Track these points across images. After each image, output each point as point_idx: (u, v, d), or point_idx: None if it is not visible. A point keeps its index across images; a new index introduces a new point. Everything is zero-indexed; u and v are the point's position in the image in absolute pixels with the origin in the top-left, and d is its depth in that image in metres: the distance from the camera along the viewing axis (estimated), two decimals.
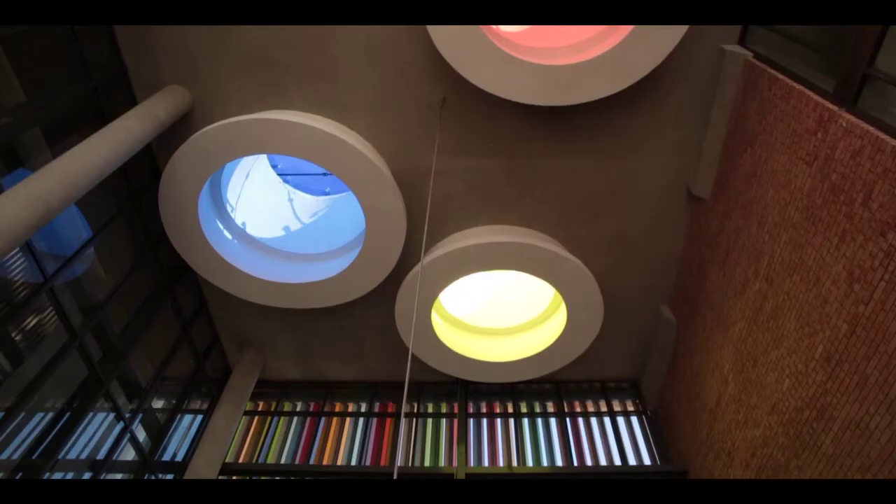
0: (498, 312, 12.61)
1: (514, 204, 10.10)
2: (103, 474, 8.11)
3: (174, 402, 10.27)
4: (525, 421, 12.29)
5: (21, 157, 7.07)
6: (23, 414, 6.80)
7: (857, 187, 5.78)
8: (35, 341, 7.14)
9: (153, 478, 9.36)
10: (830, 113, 6.22)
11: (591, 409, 12.48)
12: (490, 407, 12.67)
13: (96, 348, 8.11)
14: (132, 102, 8.54)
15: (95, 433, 8.11)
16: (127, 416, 8.67)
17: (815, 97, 6.53)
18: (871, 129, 5.59)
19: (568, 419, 12.13)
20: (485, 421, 12.33)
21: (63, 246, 7.58)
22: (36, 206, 5.74)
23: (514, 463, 11.35)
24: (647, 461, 11.28)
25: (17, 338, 6.87)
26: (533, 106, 8.53)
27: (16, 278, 6.79)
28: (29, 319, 7.01)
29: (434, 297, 10.63)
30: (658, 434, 11.56)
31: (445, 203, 9.98)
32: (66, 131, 7.77)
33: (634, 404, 12.49)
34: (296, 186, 12.96)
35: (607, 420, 12.12)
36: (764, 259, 7.61)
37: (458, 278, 10.26)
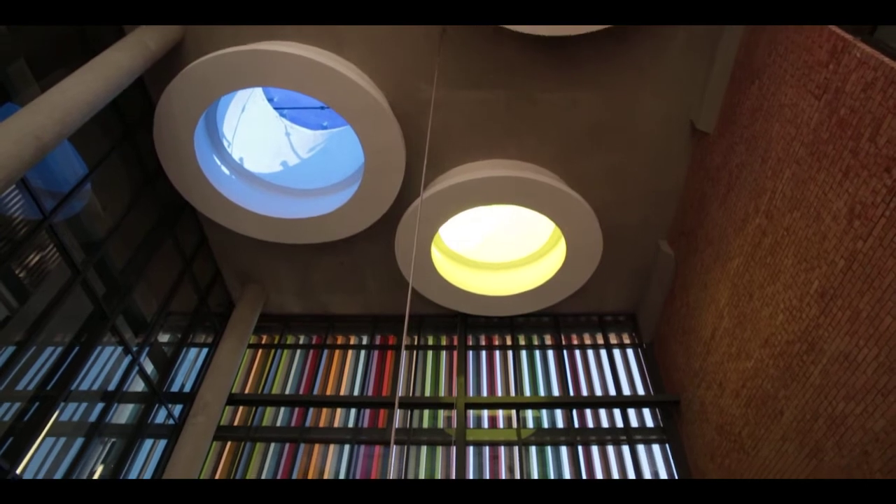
0: (498, 247, 12.68)
1: (514, 137, 9.94)
2: (115, 405, 8.40)
3: (179, 336, 10.50)
4: (523, 353, 12.60)
5: (8, 90, 6.89)
6: (34, 347, 6.96)
7: (865, 121, 5.66)
8: (39, 278, 7.21)
9: (163, 408, 9.70)
10: (845, 43, 6.00)
11: (588, 341, 12.77)
12: (489, 340, 12.97)
13: (100, 284, 8.20)
14: (119, 34, 8.23)
15: (105, 366, 8.33)
16: (134, 349, 8.88)
17: (830, 27, 6.28)
18: (886, 59, 5.41)
19: (565, 351, 12.44)
20: (484, 353, 12.65)
21: (60, 183, 7.53)
22: (27, 142, 5.65)
23: (513, 393, 11.74)
24: (640, 392, 11.66)
25: (21, 274, 6.93)
26: (533, 36, 8.23)
27: (15, 216, 6.77)
28: (31, 256, 7.06)
29: (434, 231, 10.65)
30: (653, 366, 11.89)
31: (445, 136, 9.82)
32: (52, 64, 7.54)
33: (631, 337, 12.76)
34: (293, 120, 12.70)
35: (604, 352, 12.42)
36: (765, 195, 7.57)
37: (457, 213, 10.25)
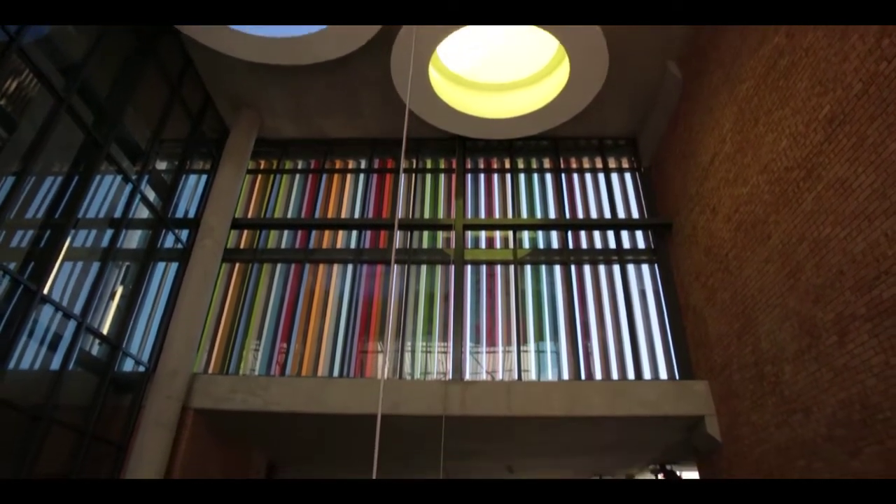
0: (498, 67, 12.06)
1: None
2: (123, 231, 8.65)
3: (177, 163, 10.44)
4: (522, 176, 12.67)
5: None
6: (33, 177, 6.96)
7: None
8: (21, 105, 6.95)
9: (171, 234, 10.00)
10: None
11: (586, 165, 12.76)
12: (488, 163, 12.94)
13: (87, 112, 7.93)
14: None
15: (108, 195, 8.41)
16: (133, 177, 8.89)
17: None
18: None
19: (563, 175, 12.50)
20: (482, 176, 12.71)
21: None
22: None
23: (510, 215, 12.03)
24: (635, 215, 11.96)
25: (2, 103, 6.66)
26: None
27: None
28: (8, 83, 6.72)
29: (431, 51, 10.04)
30: (649, 190, 12.04)
31: None
32: None
33: (629, 161, 12.73)
34: None
35: (602, 176, 12.49)
36: None
37: (454, 30, 9.57)
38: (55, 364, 7.37)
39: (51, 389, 7.17)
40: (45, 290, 7.02)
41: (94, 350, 8.26)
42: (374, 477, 5.45)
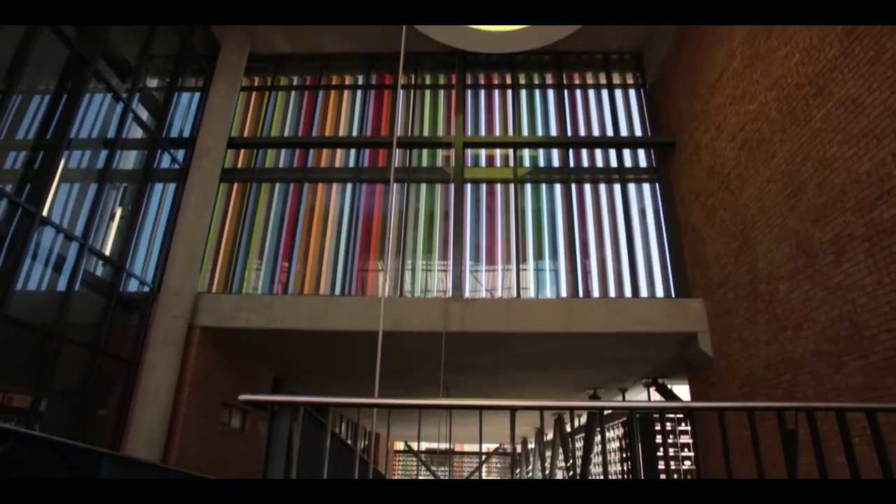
0: None
1: None
2: (118, 151, 8.50)
3: (168, 80, 10.10)
4: (523, 92, 12.31)
5: None
6: (19, 96, 6.76)
7: None
8: None
9: (166, 154, 9.84)
10: None
11: (590, 81, 12.37)
12: (488, 78, 12.53)
13: (70, 28, 7.57)
14: None
15: (99, 114, 8.20)
16: (124, 95, 8.63)
17: None
18: None
19: (566, 91, 12.14)
20: (483, 92, 12.35)
21: None
22: None
23: (511, 133, 11.80)
24: (638, 133, 11.72)
25: None
26: None
27: None
28: None
29: None
30: (653, 107, 11.73)
31: None
32: None
33: (634, 77, 12.32)
34: None
35: (605, 92, 12.13)
36: None
37: None
38: (61, 285, 7.49)
39: (59, 309, 7.33)
40: (45, 213, 7.01)
41: (99, 271, 8.37)
42: (376, 392, 5.67)
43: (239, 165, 11.53)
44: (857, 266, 5.88)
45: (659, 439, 11.89)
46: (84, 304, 8.05)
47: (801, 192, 6.79)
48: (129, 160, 9.05)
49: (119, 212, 8.80)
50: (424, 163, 11.71)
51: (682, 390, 12.48)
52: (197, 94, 11.10)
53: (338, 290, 10.49)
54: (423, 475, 28.66)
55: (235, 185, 11.33)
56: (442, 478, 26.91)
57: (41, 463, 4.51)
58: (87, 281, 8.08)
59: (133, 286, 9.15)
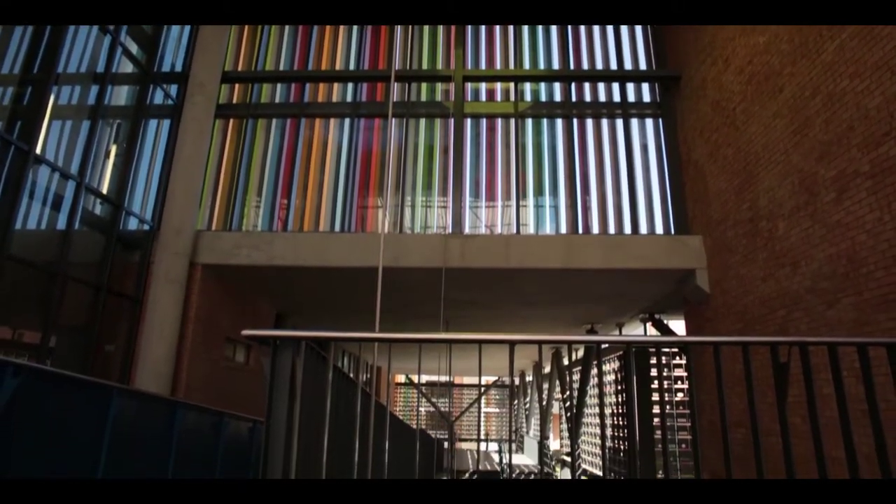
0: None
1: None
2: (109, 87, 8.29)
3: None
4: (524, 26, 11.87)
5: None
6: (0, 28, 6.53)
7: None
8: None
9: (159, 89, 9.60)
10: None
11: None
12: None
13: None
14: None
15: (86, 48, 7.93)
16: (111, 27, 8.33)
17: None
18: None
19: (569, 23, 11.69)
20: (483, 25, 11.91)
21: None
22: None
23: (511, 66, 11.48)
24: (643, 67, 11.39)
25: None
26: None
27: None
28: None
29: None
30: (659, 40, 11.33)
31: None
32: None
33: None
34: None
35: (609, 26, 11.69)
36: None
37: None
38: (61, 224, 7.49)
39: (61, 248, 7.36)
40: (38, 150, 6.91)
41: (97, 210, 8.34)
42: (377, 326, 5.77)
43: (234, 101, 11.27)
44: (858, 204, 5.86)
45: (654, 373, 12.23)
46: (85, 242, 8.07)
47: (808, 128, 6.67)
48: (120, 96, 8.83)
49: (114, 149, 8.68)
50: (424, 97, 11.44)
51: (678, 325, 12.72)
52: (187, 28, 10.71)
53: (338, 227, 10.49)
54: (424, 407, 29.64)
55: (231, 121, 11.12)
56: (442, 409, 27.86)
57: (53, 397, 4.65)
58: (87, 219, 8.07)
59: (133, 224, 9.15)
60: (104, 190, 8.39)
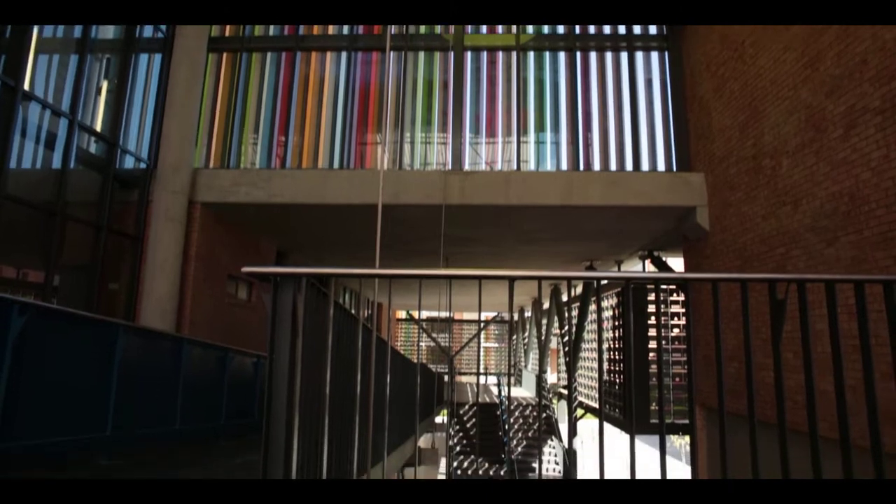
0: None
1: None
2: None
3: None
4: None
5: None
6: None
7: None
8: None
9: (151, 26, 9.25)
10: None
11: None
12: None
13: None
14: None
15: None
16: None
17: None
18: None
19: None
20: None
21: None
22: None
23: None
24: None
25: None
26: None
27: None
28: None
29: None
30: None
31: None
32: None
33: None
34: None
35: None
36: None
37: None
38: (56, 162, 7.40)
39: (58, 187, 7.31)
40: (26, 86, 6.74)
41: (92, 148, 8.22)
42: (377, 262, 5.80)
43: (227, 34, 10.89)
44: (865, 140, 5.76)
45: (651, 309, 12.42)
46: (82, 181, 8.00)
47: (819, 62, 6.48)
48: (108, 28, 8.52)
49: (105, 85, 8.46)
50: (422, 30, 11.05)
51: (676, 263, 12.81)
52: None
53: (336, 164, 10.38)
54: (425, 342, 30.28)
55: (225, 54, 10.78)
56: (442, 344, 28.48)
57: (59, 335, 4.73)
58: (82, 158, 7.97)
59: (129, 163, 9.04)
60: (98, 128, 8.24)
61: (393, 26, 10.71)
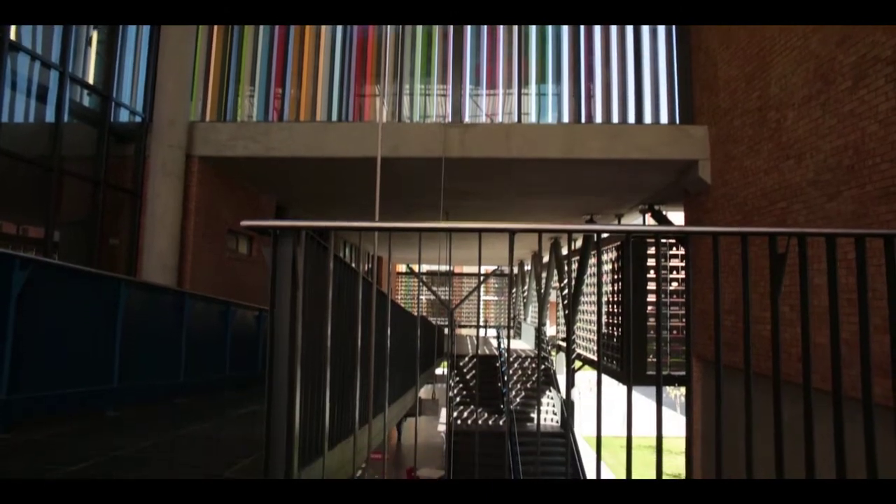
0: None
1: None
2: None
3: None
4: None
5: None
6: None
7: None
8: None
9: None
10: None
11: None
12: None
13: None
14: None
15: None
16: None
17: None
18: None
19: None
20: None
21: None
22: None
23: None
24: None
25: None
26: None
27: None
28: None
29: None
30: None
31: None
32: None
33: None
34: None
35: None
36: None
37: None
38: (49, 116, 7.28)
39: (52, 141, 7.21)
40: (12, 37, 6.56)
41: (85, 101, 8.08)
42: (377, 216, 5.78)
43: None
44: (874, 92, 5.65)
45: (651, 263, 12.47)
46: (76, 135, 7.90)
47: None
48: None
49: (95, 35, 8.23)
50: None
51: (676, 217, 12.78)
52: None
53: (335, 116, 10.23)
54: (425, 295, 30.55)
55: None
56: (442, 297, 28.74)
57: (61, 290, 4.77)
58: (76, 111, 7.84)
59: (124, 116, 8.90)
60: (90, 80, 8.07)
61: None
